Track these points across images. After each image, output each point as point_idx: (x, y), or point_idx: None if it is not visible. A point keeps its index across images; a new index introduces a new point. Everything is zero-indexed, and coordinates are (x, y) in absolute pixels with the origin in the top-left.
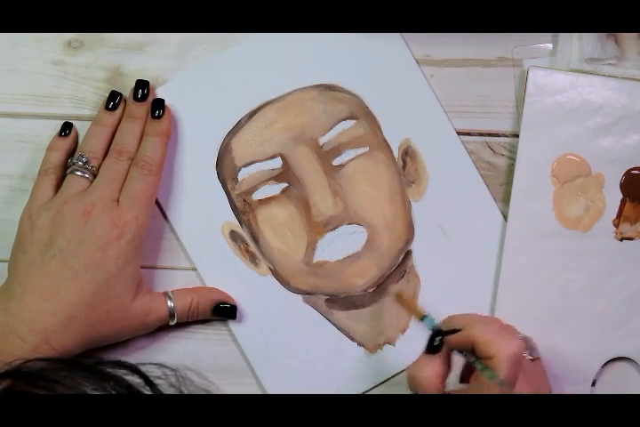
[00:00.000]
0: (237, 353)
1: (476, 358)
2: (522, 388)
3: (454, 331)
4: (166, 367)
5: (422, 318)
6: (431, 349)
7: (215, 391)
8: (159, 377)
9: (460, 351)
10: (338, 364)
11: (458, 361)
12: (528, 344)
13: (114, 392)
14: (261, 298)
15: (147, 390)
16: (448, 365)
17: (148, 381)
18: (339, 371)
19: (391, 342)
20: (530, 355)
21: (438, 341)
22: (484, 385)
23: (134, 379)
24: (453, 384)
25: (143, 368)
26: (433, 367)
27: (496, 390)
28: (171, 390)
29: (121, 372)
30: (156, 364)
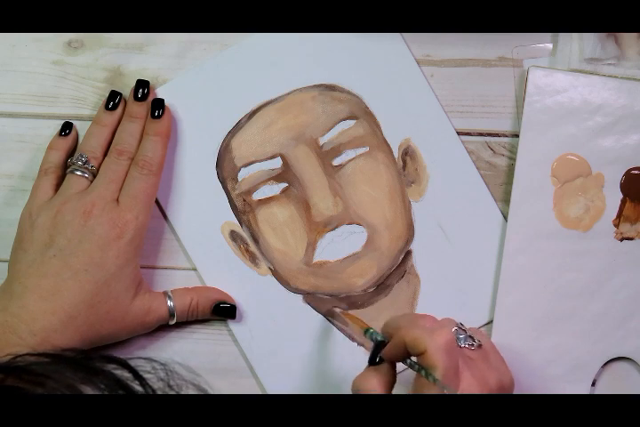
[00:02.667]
0: (237, 353)
1: (411, 361)
2: (467, 378)
3: (386, 344)
4: (155, 361)
5: (365, 331)
6: (372, 360)
7: (203, 384)
8: (148, 371)
9: (401, 360)
10: (338, 364)
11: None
12: (465, 333)
13: (102, 386)
14: (261, 298)
15: (136, 385)
16: (393, 374)
17: (136, 375)
18: (339, 371)
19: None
20: (470, 345)
21: (378, 356)
22: (426, 387)
23: (123, 373)
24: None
25: (132, 363)
26: (377, 378)
27: (436, 390)
28: (159, 384)
29: (110, 366)
30: (145, 358)
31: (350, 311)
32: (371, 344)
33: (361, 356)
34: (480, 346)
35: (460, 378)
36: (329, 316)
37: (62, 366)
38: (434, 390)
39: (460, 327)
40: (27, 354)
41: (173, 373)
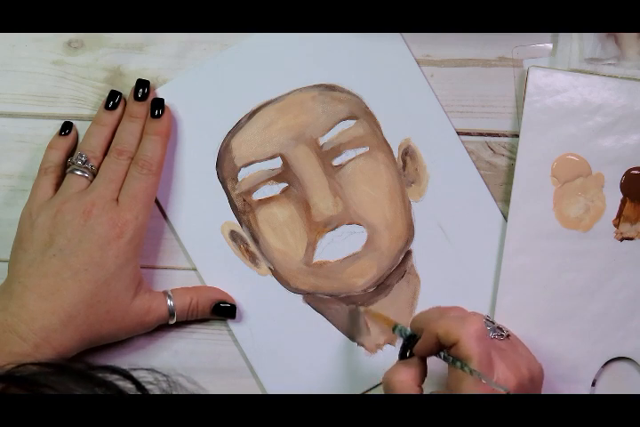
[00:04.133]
0: (237, 353)
1: (445, 354)
2: (500, 366)
3: (418, 339)
4: (158, 373)
5: (393, 328)
6: (402, 355)
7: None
8: (151, 382)
9: (433, 354)
10: (338, 364)
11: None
12: (493, 325)
13: None
14: (261, 298)
15: None
16: (423, 368)
17: (139, 386)
18: (339, 371)
19: (391, 342)
20: (499, 336)
21: (409, 351)
22: (462, 379)
23: (126, 384)
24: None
25: (135, 374)
26: (407, 372)
27: (472, 380)
28: None
29: (112, 377)
30: (147, 369)
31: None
32: (398, 341)
33: (361, 356)
34: (508, 336)
35: (494, 368)
36: (352, 314)
37: (65, 377)
38: (470, 381)
39: (488, 319)
40: (30, 363)
41: (176, 384)
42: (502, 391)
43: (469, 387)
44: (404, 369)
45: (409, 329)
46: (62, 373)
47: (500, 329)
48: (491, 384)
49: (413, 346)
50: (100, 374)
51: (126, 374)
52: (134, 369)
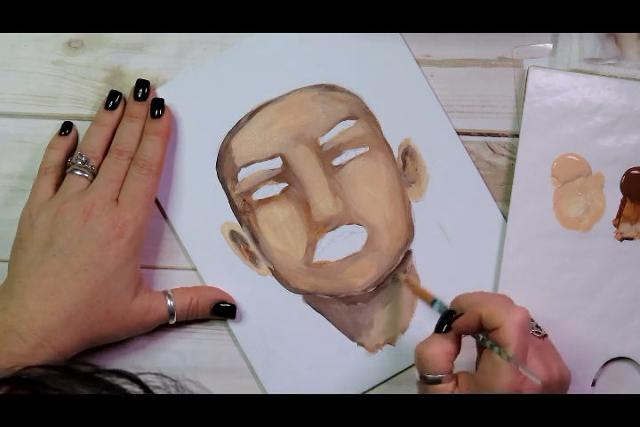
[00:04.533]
0: (237, 353)
1: (484, 336)
2: (534, 361)
3: (460, 314)
4: (166, 377)
5: (432, 301)
6: (441, 328)
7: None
8: (159, 387)
9: (470, 334)
10: (338, 364)
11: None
12: (533, 323)
13: None
14: (261, 298)
15: None
16: (457, 345)
17: (147, 391)
18: (339, 371)
19: (391, 342)
20: (537, 333)
21: (446, 324)
22: (496, 362)
23: (133, 388)
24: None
25: (143, 378)
26: (442, 345)
27: (507, 367)
28: None
29: (120, 381)
30: (155, 373)
31: (351, 308)
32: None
33: (361, 355)
34: (545, 336)
35: (528, 360)
36: (394, 279)
37: (72, 380)
38: (506, 367)
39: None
40: (36, 366)
41: (184, 389)
42: (537, 382)
43: (504, 373)
44: (438, 342)
45: (445, 305)
46: (69, 376)
47: (539, 328)
48: (527, 373)
49: (451, 322)
50: (108, 378)
51: (134, 378)
52: (142, 373)
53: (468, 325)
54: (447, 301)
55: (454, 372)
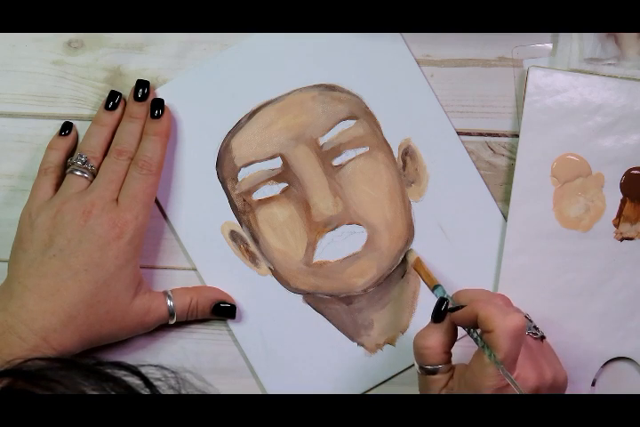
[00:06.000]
0: (237, 353)
1: (478, 335)
2: (526, 365)
3: (460, 307)
4: (166, 369)
5: (435, 286)
6: (437, 316)
7: (214, 393)
8: (159, 379)
9: (465, 328)
10: (338, 364)
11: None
12: (531, 324)
13: (113, 393)
14: (261, 298)
15: (146, 392)
16: (453, 335)
17: (147, 382)
18: (339, 371)
19: (391, 342)
20: (534, 334)
21: (444, 308)
22: (484, 363)
23: (134, 380)
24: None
25: (143, 370)
26: (438, 337)
27: (493, 370)
28: (170, 392)
29: (120, 373)
30: (155, 365)
31: (351, 308)
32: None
33: (361, 355)
34: (542, 338)
35: (519, 365)
36: (407, 256)
37: (73, 372)
38: (491, 371)
39: (527, 317)
40: (37, 358)
41: (184, 381)
42: (517, 392)
43: (487, 375)
44: (433, 334)
45: (447, 294)
46: (71, 368)
47: (537, 329)
48: (510, 381)
49: (447, 312)
50: (109, 370)
51: (134, 371)
52: (142, 365)
53: (463, 320)
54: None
55: (454, 363)
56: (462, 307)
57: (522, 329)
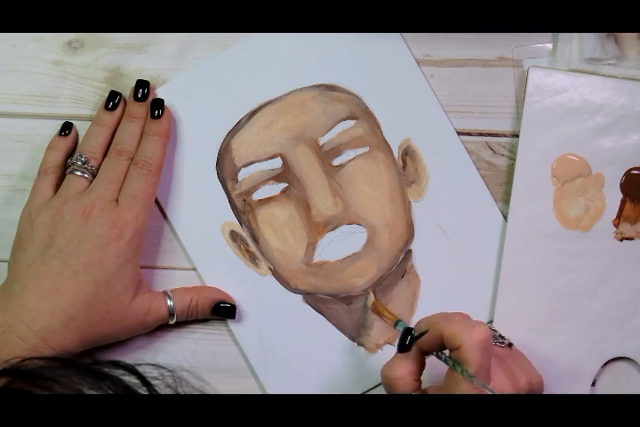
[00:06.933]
0: (237, 353)
1: (446, 356)
2: (499, 374)
3: (424, 333)
4: (163, 368)
5: (396, 322)
6: (403, 346)
7: (211, 393)
8: (156, 378)
9: (434, 353)
10: (338, 364)
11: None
12: (496, 333)
13: (110, 392)
14: (261, 298)
15: (143, 391)
16: (420, 363)
17: (144, 381)
18: (339, 371)
19: (391, 342)
20: (501, 343)
21: (409, 339)
22: (459, 382)
23: (131, 379)
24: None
25: (140, 369)
26: (406, 366)
27: (467, 385)
28: (167, 391)
29: (118, 372)
30: (153, 364)
31: (351, 308)
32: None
33: (361, 355)
34: (510, 345)
35: (492, 376)
36: (364, 303)
37: (71, 371)
38: (467, 386)
39: (491, 328)
40: (35, 358)
41: (181, 380)
42: None
43: (464, 391)
44: (401, 364)
45: (408, 324)
46: (68, 367)
47: (502, 337)
48: (486, 390)
49: (414, 341)
50: (106, 369)
51: (131, 369)
52: (139, 364)
53: (429, 344)
54: (447, 301)
55: (424, 387)
56: (426, 332)
57: (488, 340)
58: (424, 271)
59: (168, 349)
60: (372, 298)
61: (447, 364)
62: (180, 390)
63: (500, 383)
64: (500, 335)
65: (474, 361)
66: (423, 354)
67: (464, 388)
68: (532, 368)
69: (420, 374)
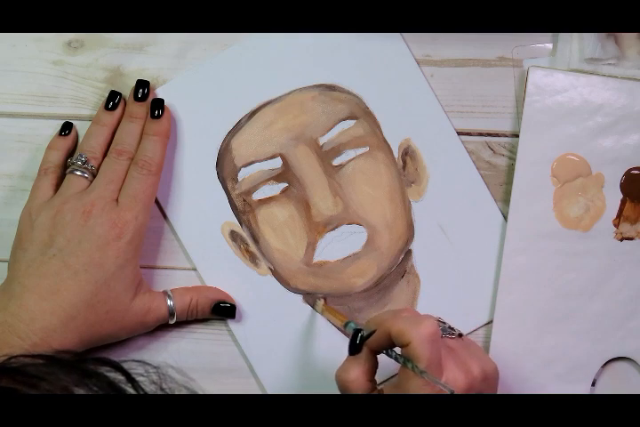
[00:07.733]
0: (237, 353)
1: (396, 354)
2: (450, 366)
3: (372, 332)
4: (148, 365)
5: (346, 323)
6: (353, 348)
7: (196, 388)
8: (141, 374)
9: (383, 351)
10: (338, 364)
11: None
12: (445, 324)
13: (95, 388)
14: (261, 298)
15: (129, 387)
16: (373, 363)
17: (129, 378)
18: None
19: None
20: (451, 335)
21: (358, 339)
22: (411, 378)
23: (117, 376)
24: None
25: (125, 365)
26: (358, 368)
27: (418, 381)
28: (152, 387)
29: (103, 369)
30: (138, 361)
31: (351, 308)
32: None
33: None
34: (460, 335)
35: (444, 368)
36: (311, 304)
37: (56, 368)
38: (419, 382)
39: (440, 320)
40: (21, 355)
41: (166, 376)
42: (448, 392)
43: (418, 387)
44: (353, 366)
45: (358, 325)
46: (53, 364)
47: (452, 329)
48: (438, 384)
49: (363, 341)
50: (91, 366)
51: (117, 366)
52: (125, 361)
53: (379, 343)
54: (447, 301)
55: (379, 387)
56: (374, 332)
57: (436, 334)
58: (424, 271)
59: (168, 349)
60: (321, 302)
61: (398, 361)
62: (165, 386)
63: (453, 375)
64: (450, 327)
65: (423, 356)
66: (375, 354)
67: (417, 383)
68: (484, 356)
69: (374, 373)
